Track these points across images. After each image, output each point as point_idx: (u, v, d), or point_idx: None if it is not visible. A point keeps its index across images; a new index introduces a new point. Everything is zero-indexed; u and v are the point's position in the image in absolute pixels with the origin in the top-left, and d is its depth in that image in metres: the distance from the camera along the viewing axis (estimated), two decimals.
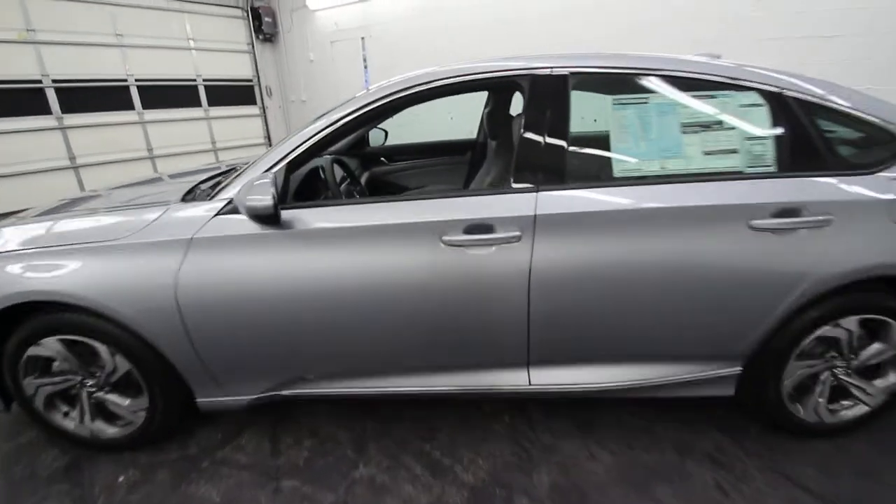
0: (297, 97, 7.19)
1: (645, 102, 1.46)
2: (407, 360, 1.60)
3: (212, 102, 6.67)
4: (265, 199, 1.30)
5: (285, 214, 1.43)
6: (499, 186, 2.02)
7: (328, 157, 2.07)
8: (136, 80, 5.93)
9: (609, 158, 1.45)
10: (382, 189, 2.99)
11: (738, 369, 1.61)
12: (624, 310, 1.48)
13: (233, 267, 1.43)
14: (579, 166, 1.47)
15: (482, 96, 2.73)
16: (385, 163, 3.10)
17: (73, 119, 5.40)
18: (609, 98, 1.49)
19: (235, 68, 6.93)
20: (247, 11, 6.76)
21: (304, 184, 1.81)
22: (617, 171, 1.44)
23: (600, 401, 1.88)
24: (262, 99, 7.23)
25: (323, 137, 1.49)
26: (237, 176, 1.53)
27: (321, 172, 1.96)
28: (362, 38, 5.96)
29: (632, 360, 1.59)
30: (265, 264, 1.43)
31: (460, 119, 3.76)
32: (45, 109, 5.17)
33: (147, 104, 6.04)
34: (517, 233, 1.39)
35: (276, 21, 6.84)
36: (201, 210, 1.47)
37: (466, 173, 2.87)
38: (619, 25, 4.59)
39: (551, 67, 1.47)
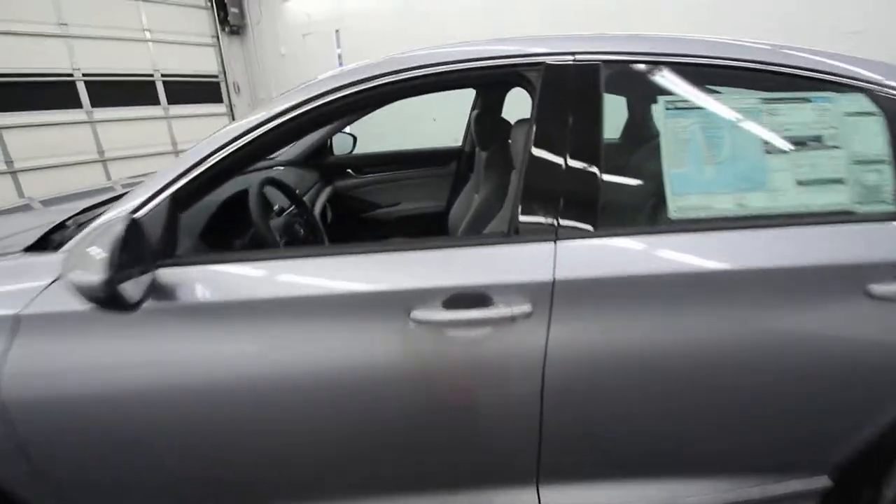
0: (267, 95, 6.61)
1: (713, 109, 0.99)
2: (361, 481, 1.11)
3: (172, 100, 6.07)
4: (91, 274, 0.78)
5: (167, 275, 0.92)
6: (492, 210, 1.55)
7: (268, 174, 1.54)
8: (84, 75, 5.32)
9: (661, 191, 0.97)
10: (349, 207, 2.48)
11: (825, 481, 1.16)
12: (677, 411, 1.01)
13: (83, 357, 0.92)
14: (618, 202, 0.99)
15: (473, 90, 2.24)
16: (352, 175, 2.59)
17: (8, 118, 4.78)
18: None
19: (199, 63, 6.33)
20: (210, 1, 6.16)
21: (224, 217, 1.30)
22: (674, 210, 0.96)
23: None
24: (229, 97, 6.64)
25: (231, 154, 0.99)
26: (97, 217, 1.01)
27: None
28: (336, 31, 5.42)
29: (680, 474, 1.13)
30: (128, 353, 0.92)
31: (447, 122, 3.22)
32: None
33: (96, 102, 5.43)
34: (526, 307, 0.91)
35: (243, 12, 6.25)
36: (39, 270, 0.96)
37: (450, 189, 2.39)
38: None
39: (574, 53, 0.99)
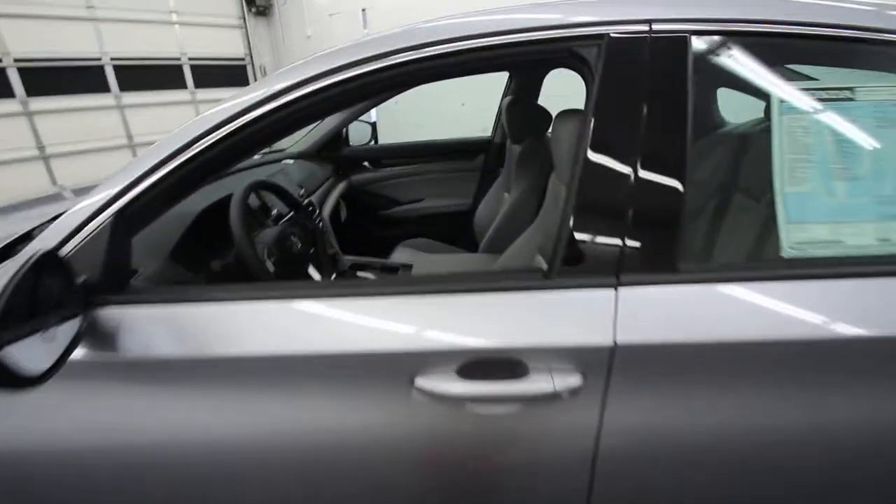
0: None
1: (848, 101, 0.70)
2: None
3: (199, 84, 6.00)
4: None
5: (108, 317, 0.72)
6: (524, 215, 1.29)
7: (257, 178, 1.29)
8: (112, 59, 5.28)
9: (772, 219, 0.69)
10: (366, 203, 2.26)
11: None
12: None
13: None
14: (708, 233, 0.72)
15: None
16: (369, 168, 2.35)
17: (39, 103, 4.78)
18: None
19: (225, 45, 6.22)
20: None
21: (206, 229, 1.09)
22: (789, 246, 0.68)
23: None
24: (256, 80, 6.51)
25: (202, 153, 0.77)
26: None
27: (251, 203, 1.23)
28: (363, 10, 5.16)
29: None
30: (49, 414, 0.73)
31: (477, 107, 2.88)
32: (6, 93, 4.56)
33: (125, 86, 5.41)
34: (574, 380, 0.65)
35: None
36: None
37: (477, 185, 2.14)
38: None
39: (650, 22, 0.71)
